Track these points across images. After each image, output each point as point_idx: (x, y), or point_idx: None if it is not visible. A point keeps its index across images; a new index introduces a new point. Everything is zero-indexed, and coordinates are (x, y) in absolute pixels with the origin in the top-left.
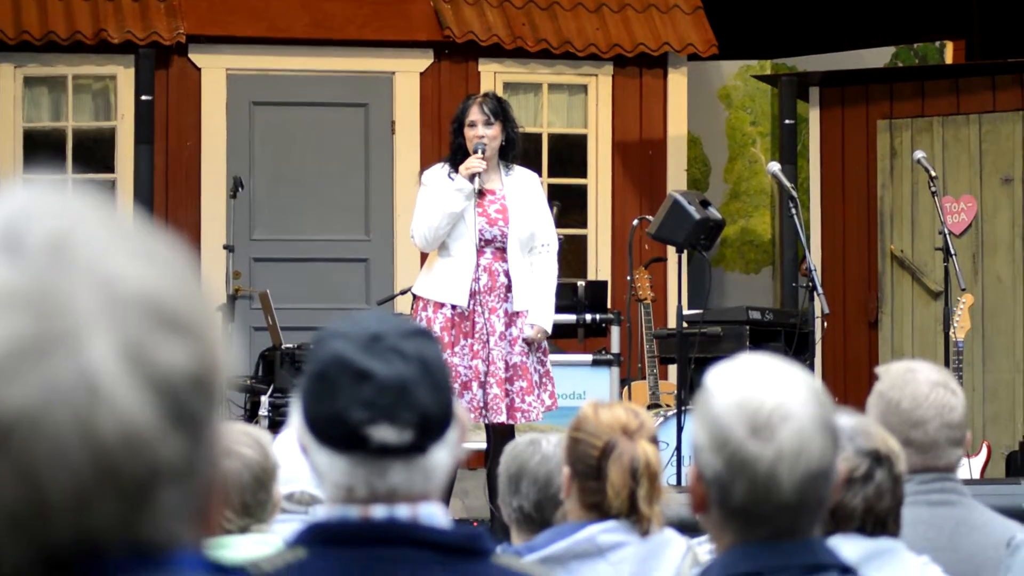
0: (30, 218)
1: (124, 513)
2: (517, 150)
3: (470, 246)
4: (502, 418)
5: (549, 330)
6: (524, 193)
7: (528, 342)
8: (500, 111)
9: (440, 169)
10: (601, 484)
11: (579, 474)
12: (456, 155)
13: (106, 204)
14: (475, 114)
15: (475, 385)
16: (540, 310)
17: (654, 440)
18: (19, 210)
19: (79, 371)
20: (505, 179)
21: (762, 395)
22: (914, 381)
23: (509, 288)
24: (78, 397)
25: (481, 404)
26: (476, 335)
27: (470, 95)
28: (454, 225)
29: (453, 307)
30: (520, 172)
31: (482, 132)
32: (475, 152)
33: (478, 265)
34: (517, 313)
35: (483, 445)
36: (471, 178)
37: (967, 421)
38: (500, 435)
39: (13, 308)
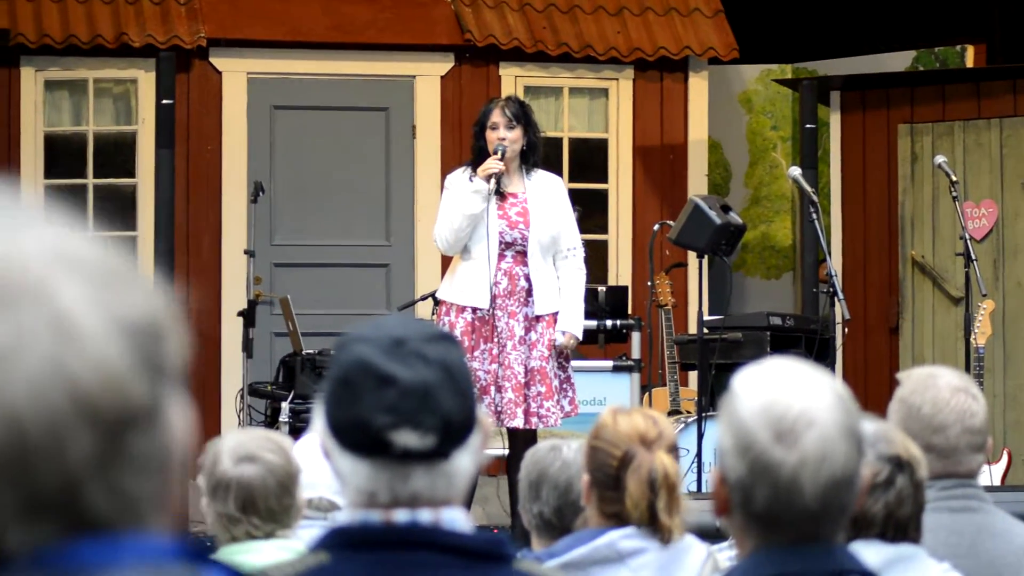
0: None
1: (101, 454)
2: (538, 154)
3: (491, 249)
4: (517, 423)
5: (580, 336)
6: (547, 196)
7: (559, 350)
8: (522, 115)
9: (462, 173)
10: (620, 494)
11: (598, 483)
12: (478, 158)
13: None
14: (497, 116)
15: (493, 389)
16: (570, 316)
17: (673, 449)
18: None
19: (52, 315)
20: (527, 183)
21: (788, 400)
22: (935, 386)
23: (530, 292)
24: (51, 338)
25: (497, 409)
26: (496, 339)
27: (493, 98)
28: (475, 227)
29: (474, 311)
30: (543, 175)
31: (503, 134)
32: (495, 154)
33: (498, 268)
34: (538, 317)
35: (503, 451)
36: (488, 179)
37: (988, 427)
38: (523, 441)
39: None
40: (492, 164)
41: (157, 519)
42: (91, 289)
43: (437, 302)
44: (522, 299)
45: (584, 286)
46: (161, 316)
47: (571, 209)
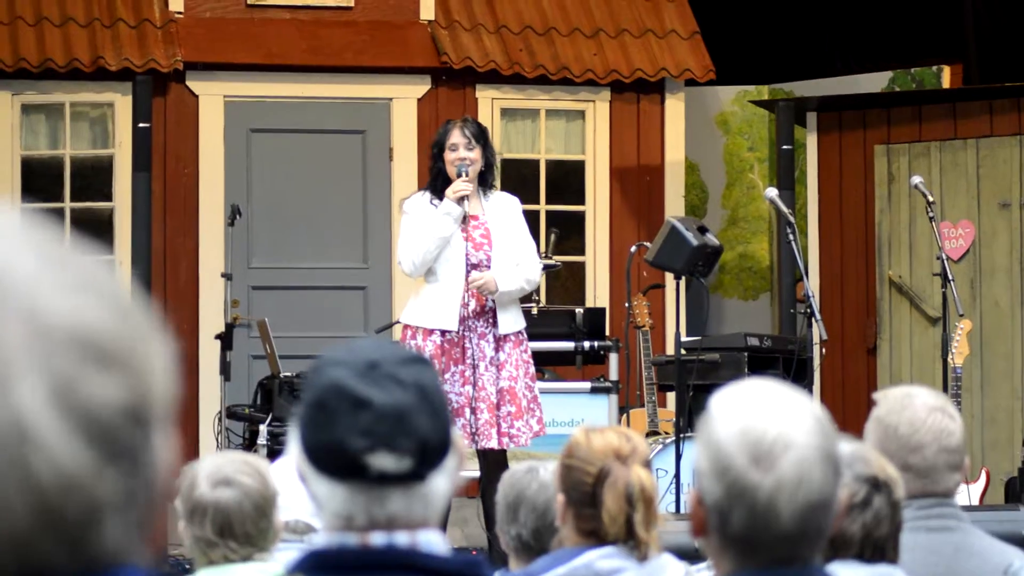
0: None
1: (68, 549)
2: (495, 175)
3: (458, 271)
4: (492, 444)
5: (500, 288)
6: (506, 217)
7: (472, 281)
8: (480, 135)
9: (421, 197)
10: (596, 511)
11: (574, 501)
12: (436, 180)
13: (36, 231)
14: (457, 137)
15: (467, 411)
16: (503, 272)
17: (647, 464)
18: None
19: (9, 416)
20: (485, 204)
21: (765, 423)
22: (912, 406)
23: (496, 312)
24: (9, 443)
25: (471, 431)
26: (466, 361)
27: (449, 120)
28: (442, 250)
29: (443, 334)
30: (500, 196)
31: (464, 154)
32: (459, 176)
33: (465, 290)
34: (505, 337)
35: (478, 473)
36: (459, 201)
37: (965, 446)
38: (493, 462)
39: None
40: (463, 186)
41: (133, 557)
42: (56, 377)
43: (402, 326)
44: (490, 320)
45: (530, 280)
46: (138, 393)
47: (527, 228)
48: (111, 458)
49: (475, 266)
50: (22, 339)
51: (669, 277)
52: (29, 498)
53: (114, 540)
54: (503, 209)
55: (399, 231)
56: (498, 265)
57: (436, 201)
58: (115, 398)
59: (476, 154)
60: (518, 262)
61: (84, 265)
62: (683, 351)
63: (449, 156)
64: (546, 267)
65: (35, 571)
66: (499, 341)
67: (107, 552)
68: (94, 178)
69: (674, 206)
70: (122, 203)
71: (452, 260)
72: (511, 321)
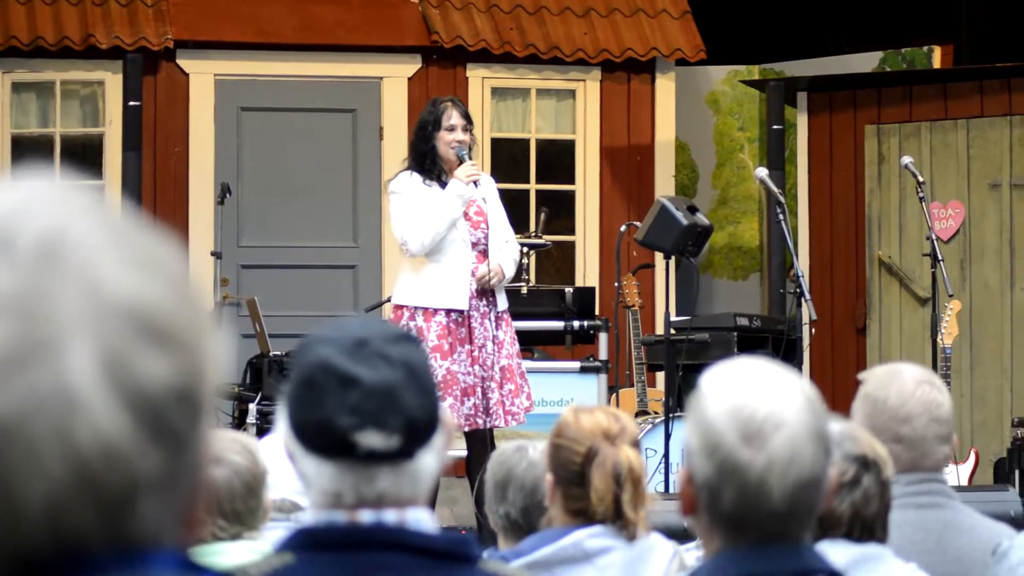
0: (23, 217)
1: (103, 521)
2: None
3: (465, 250)
4: (501, 423)
5: (507, 274)
6: (490, 196)
7: (479, 277)
8: (470, 117)
9: (409, 176)
10: (585, 490)
11: (562, 481)
12: (426, 159)
13: (104, 205)
14: (457, 118)
15: (478, 391)
16: (502, 255)
17: (636, 444)
18: (13, 207)
19: (57, 381)
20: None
21: (756, 402)
22: (900, 380)
23: (494, 291)
24: (56, 408)
25: (483, 410)
26: (474, 341)
27: (436, 99)
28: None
29: (447, 314)
30: (482, 177)
31: (462, 136)
32: (460, 160)
33: (475, 278)
34: (500, 315)
35: (465, 452)
36: (469, 184)
37: (953, 419)
38: (480, 441)
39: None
40: (472, 169)
41: (169, 541)
42: (109, 349)
43: (396, 307)
44: (490, 298)
45: (518, 261)
46: (189, 376)
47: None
48: (156, 436)
49: (473, 245)
50: (79, 308)
51: (659, 257)
52: (68, 464)
53: (151, 521)
54: (486, 189)
55: (389, 211)
56: (494, 245)
57: (429, 181)
58: (166, 377)
59: (468, 136)
60: (504, 242)
61: (149, 243)
62: (672, 331)
63: (447, 137)
64: (536, 246)
65: (69, 543)
66: (497, 319)
67: (142, 533)
68: (84, 157)
69: (664, 186)
70: (112, 182)
71: (458, 240)
72: (504, 298)
